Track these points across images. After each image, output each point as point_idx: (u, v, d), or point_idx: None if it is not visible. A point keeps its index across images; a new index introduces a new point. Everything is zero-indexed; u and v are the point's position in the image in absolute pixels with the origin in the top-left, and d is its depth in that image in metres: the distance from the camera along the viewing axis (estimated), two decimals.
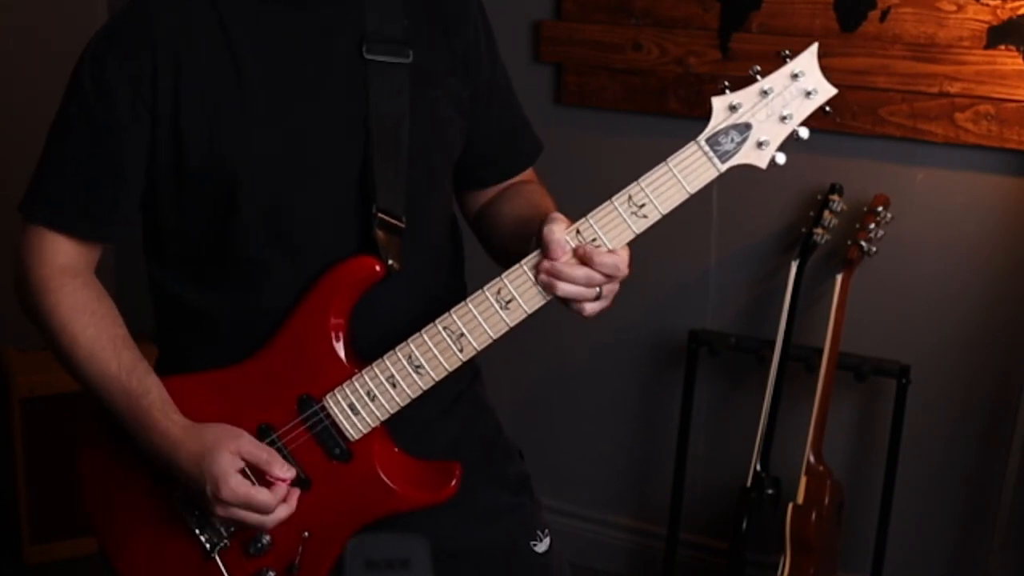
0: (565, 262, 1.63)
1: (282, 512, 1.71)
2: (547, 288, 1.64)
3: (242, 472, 1.69)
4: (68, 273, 1.75)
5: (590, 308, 1.66)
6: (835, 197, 2.95)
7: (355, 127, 1.72)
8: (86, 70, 1.71)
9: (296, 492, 1.73)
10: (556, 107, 3.32)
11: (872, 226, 2.92)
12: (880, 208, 2.94)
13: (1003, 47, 2.80)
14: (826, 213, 2.95)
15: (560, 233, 1.63)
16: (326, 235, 1.73)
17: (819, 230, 2.94)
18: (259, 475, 1.70)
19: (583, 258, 1.63)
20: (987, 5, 2.81)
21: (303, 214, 1.72)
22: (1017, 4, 2.78)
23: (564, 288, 1.63)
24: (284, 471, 1.70)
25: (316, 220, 1.73)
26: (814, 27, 2.97)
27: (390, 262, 1.71)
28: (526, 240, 1.72)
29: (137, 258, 1.87)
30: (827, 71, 1.62)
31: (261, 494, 1.68)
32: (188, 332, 1.81)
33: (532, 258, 1.65)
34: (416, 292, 1.78)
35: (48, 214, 1.75)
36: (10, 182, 2.97)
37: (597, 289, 1.64)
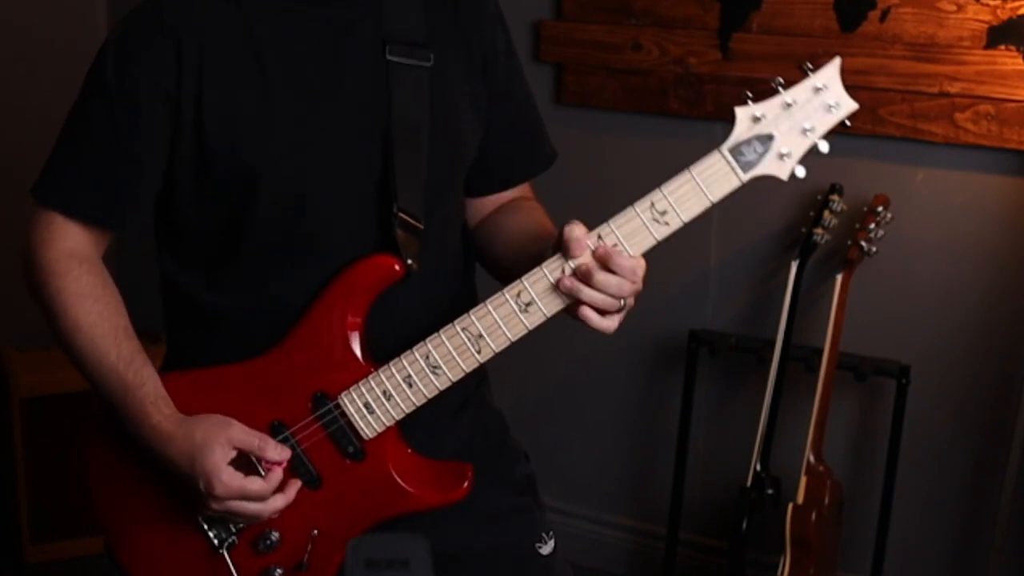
0: (598, 269, 1.61)
1: (278, 502, 1.70)
2: (571, 292, 1.62)
3: (235, 463, 1.68)
4: (75, 257, 1.74)
5: (605, 323, 1.64)
6: (835, 197, 2.95)
7: (376, 128, 1.72)
8: (109, 61, 1.70)
9: (296, 484, 1.72)
10: (556, 107, 3.31)
11: (872, 226, 2.92)
12: (880, 208, 2.94)
13: (1003, 47, 2.81)
14: (826, 213, 2.95)
15: (580, 231, 1.62)
16: (344, 234, 1.73)
17: (819, 230, 2.95)
18: (252, 466, 1.69)
19: (602, 259, 1.61)
20: (987, 5, 2.81)
21: (322, 213, 1.72)
22: (1017, 4, 2.78)
23: (590, 294, 1.61)
24: (278, 453, 1.70)
25: (334, 219, 1.72)
26: (814, 27, 2.98)
27: (409, 262, 1.71)
28: (538, 253, 1.71)
29: (139, 255, 1.86)
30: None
31: (254, 483, 1.67)
32: (201, 329, 1.81)
33: (552, 261, 1.64)
34: (430, 293, 1.78)
35: (61, 199, 1.74)
36: (9, 178, 2.97)
37: (622, 301, 1.63)
